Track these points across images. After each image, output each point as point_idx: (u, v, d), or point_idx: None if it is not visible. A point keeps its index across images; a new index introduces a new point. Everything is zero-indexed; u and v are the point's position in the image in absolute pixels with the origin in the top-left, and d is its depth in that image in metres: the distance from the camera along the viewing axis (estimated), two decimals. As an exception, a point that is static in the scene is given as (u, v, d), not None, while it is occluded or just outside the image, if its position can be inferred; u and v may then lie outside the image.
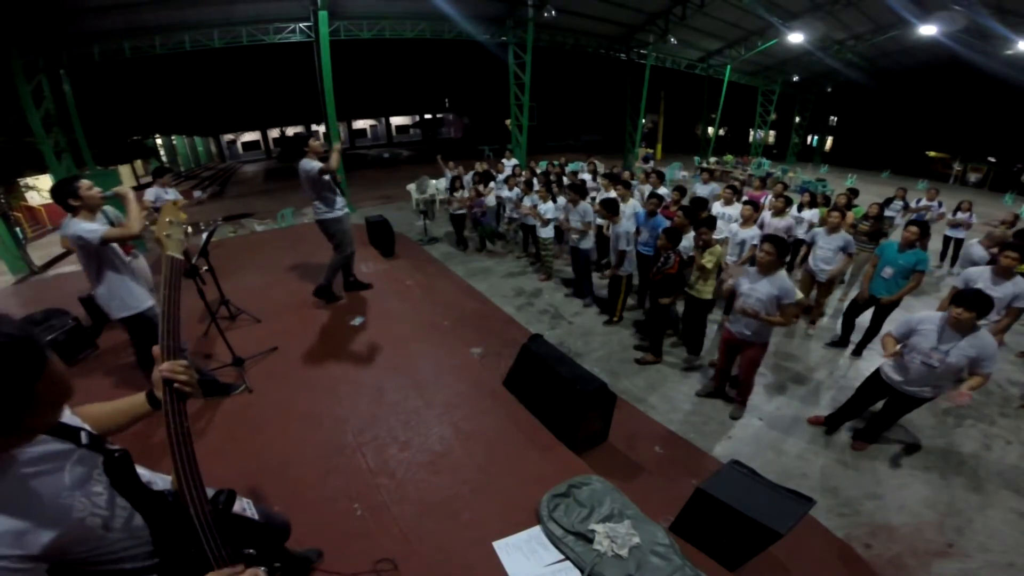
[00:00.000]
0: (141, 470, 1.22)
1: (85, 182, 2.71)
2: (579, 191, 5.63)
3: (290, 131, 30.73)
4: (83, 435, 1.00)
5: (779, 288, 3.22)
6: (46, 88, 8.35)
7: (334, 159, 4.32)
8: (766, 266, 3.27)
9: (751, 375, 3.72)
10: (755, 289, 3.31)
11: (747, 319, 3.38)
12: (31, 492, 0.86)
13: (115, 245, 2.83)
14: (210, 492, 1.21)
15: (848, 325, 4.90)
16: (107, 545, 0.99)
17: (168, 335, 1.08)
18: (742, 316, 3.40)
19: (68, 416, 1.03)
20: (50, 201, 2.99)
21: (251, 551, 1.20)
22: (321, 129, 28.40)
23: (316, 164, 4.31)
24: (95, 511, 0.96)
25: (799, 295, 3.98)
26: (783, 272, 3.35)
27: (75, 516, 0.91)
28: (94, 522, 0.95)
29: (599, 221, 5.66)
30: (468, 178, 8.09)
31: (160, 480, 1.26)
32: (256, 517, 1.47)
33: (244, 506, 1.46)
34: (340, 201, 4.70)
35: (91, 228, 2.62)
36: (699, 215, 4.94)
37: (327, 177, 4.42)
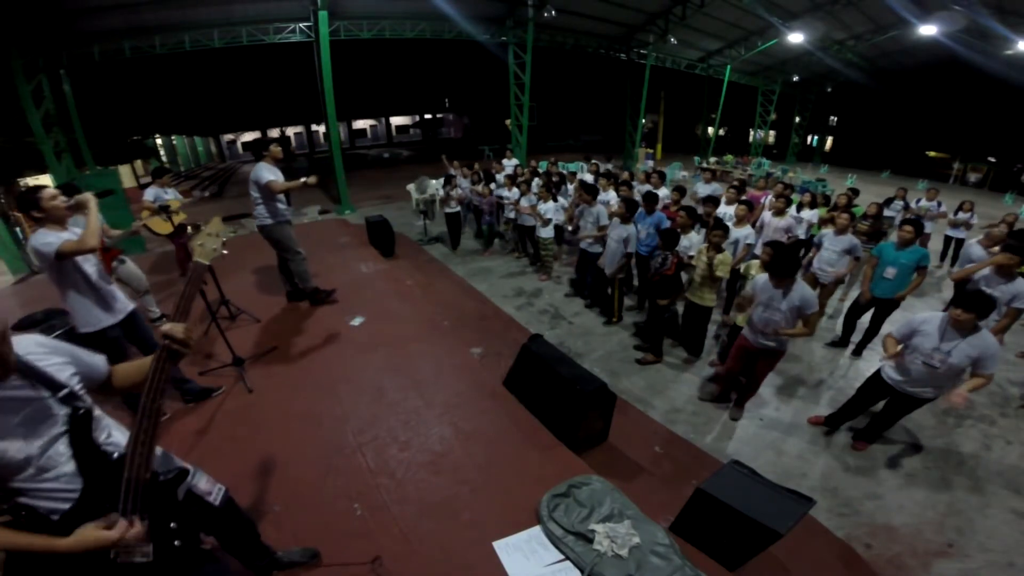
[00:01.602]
0: (120, 436, 1.35)
1: (48, 191, 2.53)
2: (591, 191, 5.42)
3: (290, 131, 30.72)
4: (64, 391, 1.17)
5: (800, 299, 3.13)
6: (46, 88, 8.34)
7: (294, 185, 4.17)
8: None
9: (762, 381, 3.71)
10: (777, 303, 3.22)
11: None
12: None
13: (86, 261, 2.69)
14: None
15: (849, 326, 4.90)
16: (37, 482, 1.12)
17: (180, 312, 1.28)
18: (764, 334, 3.30)
19: (68, 376, 1.21)
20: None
21: (173, 525, 1.24)
22: (321, 129, 28.44)
23: (267, 175, 4.16)
24: (23, 447, 1.09)
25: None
26: (802, 282, 3.26)
27: None
28: (16, 454, 1.08)
29: (603, 221, 5.63)
30: (466, 183, 8.05)
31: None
32: (216, 503, 1.52)
33: (212, 489, 1.51)
34: (287, 210, 4.56)
35: (47, 242, 2.49)
36: (708, 214, 4.89)
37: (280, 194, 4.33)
